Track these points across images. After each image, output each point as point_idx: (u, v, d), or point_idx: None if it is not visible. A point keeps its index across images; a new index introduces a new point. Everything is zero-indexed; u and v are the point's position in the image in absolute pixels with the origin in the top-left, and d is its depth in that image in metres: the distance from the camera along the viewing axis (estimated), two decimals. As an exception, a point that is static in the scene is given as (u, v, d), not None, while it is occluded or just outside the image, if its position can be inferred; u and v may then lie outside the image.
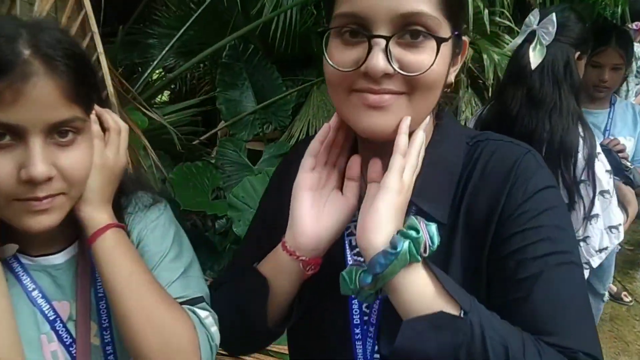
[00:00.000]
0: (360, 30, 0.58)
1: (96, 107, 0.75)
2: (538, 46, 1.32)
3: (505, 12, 2.54)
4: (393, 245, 0.58)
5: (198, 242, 2.08)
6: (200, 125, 2.73)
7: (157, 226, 0.83)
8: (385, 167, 0.63)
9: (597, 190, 1.35)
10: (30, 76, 0.62)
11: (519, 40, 1.39)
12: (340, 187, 0.70)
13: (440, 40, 0.59)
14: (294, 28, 2.42)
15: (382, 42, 0.57)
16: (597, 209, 1.36)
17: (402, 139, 0.61)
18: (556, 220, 0.64)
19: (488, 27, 2.35)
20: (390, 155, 0.62)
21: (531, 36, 1.35)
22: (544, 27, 1.33)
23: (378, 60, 0.57)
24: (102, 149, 0.75)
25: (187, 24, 2.54)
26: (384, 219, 0.59)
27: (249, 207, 1.63)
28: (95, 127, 0.74)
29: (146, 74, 2.43)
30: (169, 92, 3.40)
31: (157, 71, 2.89)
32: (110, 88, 1.45)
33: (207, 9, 2.53)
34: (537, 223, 0.62)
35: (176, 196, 1.76)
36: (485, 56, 2.43)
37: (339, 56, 0.60)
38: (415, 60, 0.58)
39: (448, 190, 0.66)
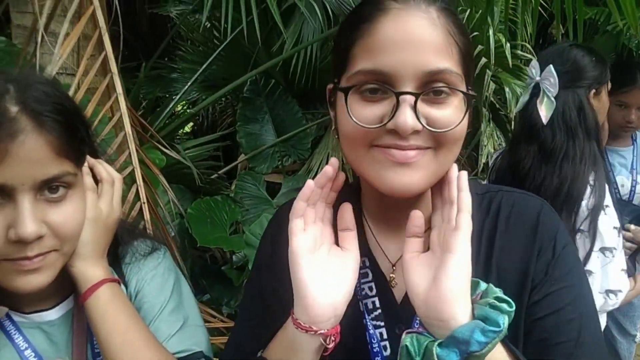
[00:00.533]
0: (385, 87, 0.57)
1: (89, 158, 0.73)
2: (545, 100, 1.26)
3: (527, 45, 2.52)
4: (491, 320, 0.53)
5: (215, 277, 2.08)
6: (220, 159, 2.76)
7: (156, 276, 0.81)
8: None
9: (597, 246, 1.22)
10: (17, 134, 0.61)
11: (525, 97, 1.33)
12: (336, 242, 0.65)
13: (469, 96, 0.59)
14: (314, 63, 2.44)
15: (411, 98, 0.56)
16: (592, 266, 1.23)
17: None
18: (580, 275, 0.65)
19: (510, 60, 2.33)
20: (411, 208, 0.62)
21: (537, 89, 1.29)
22: (545, 79, 1.27)
23: (407, 117, 0.56)
24: (95, 201, 0.73)
25: (210, 59, 2.59)
26: (464, 288, 0.55)
27: (265, 244, 1.61)
28: (88, 180, 0.73)
29: (169, 108, 2.48)
30: (191, 125, 3.45)
31: (180, 104, 2.94)
32: (128, 128, 1.47)
33: (229, 44, 2.58)
34: (567, 282, 0.62)
35: (193, 232, 1.76)
36: (507, 89, 2.40)
37: (360, 112, 0.58)
38: (442, 116, 0.58)
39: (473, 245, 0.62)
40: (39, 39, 1.53)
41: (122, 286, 0.77)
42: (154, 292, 0.79)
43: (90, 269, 0.72)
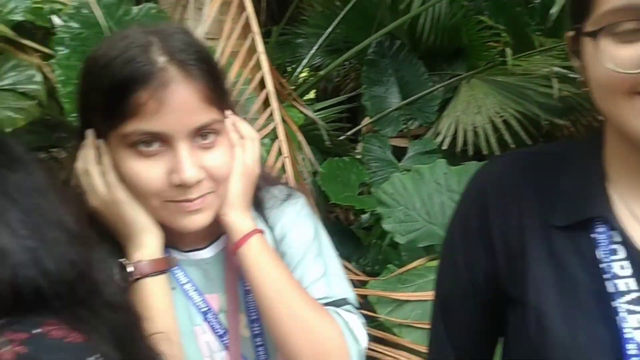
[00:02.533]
0: None
1: (232, 116, 0.76)
2: None
3: None
4: None
5: (344, 235, 2.12)
6: (345, 122, 2.78)
7: (299, 222, 0.83)
8: None
9: None
10: (169, 84, 0.64)
11: None
12: None
13: None
14: (442, 21, 2.34)
15: None
16: None
17: None
18: None
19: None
20: None
21: None
22: None
23: None
24: (242, 156, 0.76)
25: (335, 22, 2.60)
26: None
27: (398, 203, 1.60)
28: (234, 136, 0.76)
29: (296, 73, 2.54)
30: (314, 90, 3.51)
31: (304, 70, 2.99)
32: (270, 87, 1.53)
33: (353, 7, 2.56)
34: None
35: (327, 190, 1.80)
36: None
37: (617, 56, 0.50)
38: None
39: None
40: (185, 4, 1.64)
41: (267, 230, 0.80)
42: (298, 237, 0.81)
43: (240, 219, 0.75)
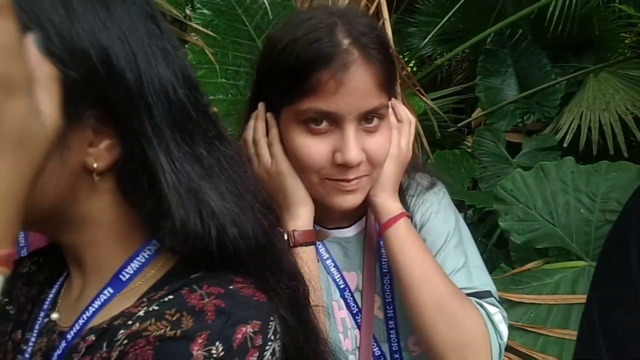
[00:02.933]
0: None
1: (392, 99, 0.77)
2: None
3: None
4: None
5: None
6: (455, 113, 2.70)
7: (439, 210, 0.82)
8: None
9: None
10: (350, 66, 0.65)
11: None
12: None
13: None
14: (573, 9, 2.18)
15: None
16: None
17: None
18: None
19: None
20: None
21: None
22: None
23: None
24: (398, 139, 0.77)
25: (452, 10, 2.52)
26: None
27: (518, 201, 1.53)
28: (393, 119, 0.76)
29: (411, 63, 2.50)
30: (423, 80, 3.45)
31: (414, 59, 2.95)
32: (397, 72, 1.52)
33: (471, -2, 2.47)
34: None
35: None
36: None
37: None
38: None
39: None
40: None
41: None
42: (439, 225, 0.80)
43: (391, 201, 0.76)
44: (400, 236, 0.74)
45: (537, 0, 2.15)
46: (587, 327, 0.67)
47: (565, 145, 2.12)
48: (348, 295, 0.80)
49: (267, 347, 0.43)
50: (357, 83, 0.67)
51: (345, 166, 0.69)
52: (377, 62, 0.68)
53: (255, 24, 1.77)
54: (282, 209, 0.75)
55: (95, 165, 0.44)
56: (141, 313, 0.43)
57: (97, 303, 0.49)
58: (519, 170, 1.60)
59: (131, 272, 0.49)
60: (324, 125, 0.69)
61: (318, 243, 0.80)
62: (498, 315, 0.74)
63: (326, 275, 0.80)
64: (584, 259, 1.47)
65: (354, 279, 0.81)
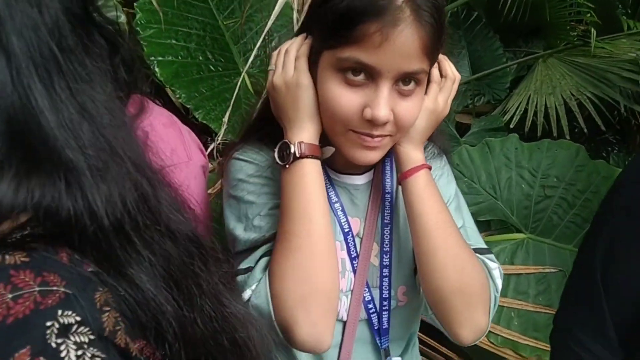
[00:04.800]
0: None
1: (440, 55, 0.77)
2: None
3: None
4: None
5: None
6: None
7: (443, 174, 0.87)
8: None
9: None
10: (399, 23, 0.65)
11: None
12: None
13: None
14: (527, -5, 2.23)
15: None
16: None
17: None
18: None
19: None
20: None
21: None
22: None
23: None
24: (437, 94, 0.77)
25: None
26: None
27: (464, 175, 1.57)
28: (435, 72, 0.77)
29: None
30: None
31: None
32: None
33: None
34: None
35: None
36: None
37: None
38: None
39: None
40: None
41: None
42: (442, 187, 0.83)
43: (415, 152, 0.78)
44: (421, 185, 0.77)
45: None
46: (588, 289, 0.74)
47: (511, 127, 2.18)
48: (350, 239, 0.82)
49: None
50: (403, 42, 0.66)
51: (372, 122, 0.70)
52: (427, 25, 0.67)
53: (209, -16, 1.71)
54: (289, 122, 0.76)
55: None
56: None
57: None
58: (466, 146, 1.63)
59: None
60: (361, 77, 0.69)
61: (328, 186, 0.82)
62: (496, 270, 0.80)
63: (333, 216, 0.81)
64: (523, 232, 1.52)
65: (356, 225, 0.84)
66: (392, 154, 0.83)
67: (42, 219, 0.41)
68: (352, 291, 0.81)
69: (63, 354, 0.36)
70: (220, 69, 1.63)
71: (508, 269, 1.44)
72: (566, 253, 1.47)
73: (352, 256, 0.82)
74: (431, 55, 0.70)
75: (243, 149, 0.84)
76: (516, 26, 2.50)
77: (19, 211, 0.40)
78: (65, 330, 0.37)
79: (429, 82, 0.77)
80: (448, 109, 0.79)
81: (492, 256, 0.82)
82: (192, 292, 0.49)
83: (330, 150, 0.79)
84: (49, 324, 0.37)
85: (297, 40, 0.77)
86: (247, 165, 0.82)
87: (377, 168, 0.85)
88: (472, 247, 0.80)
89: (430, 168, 0.79)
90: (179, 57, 1.57)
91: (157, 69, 1.49)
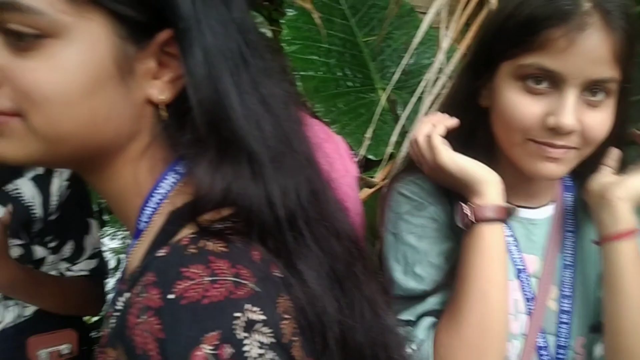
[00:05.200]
0: None
1: None
2: None
3: None
4: None
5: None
6: None
7: None
8: None
9: None
10: (586, 28, 0.63)
11: None
12: None
13: None
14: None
15: None
16: None
17: None
18: None
19: None
20: None
21: None
22: None
23: None
24: None
25: None
26: None
27: None
28: None
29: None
30: None
31: None
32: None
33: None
34: None
35: None
36: None
37: None
38: None
39: None
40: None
41: None
42: None
43: (625, 210, 0.70)
44: (627, 255, 0.70)
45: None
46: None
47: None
48: (524, 278, 0.77)
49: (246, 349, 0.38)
50: (591, 47, 0.63)
51: (556, 131, 0.66)
52: (618, 30, 0.64)
53: (352, 3, 1.76)
54: (465, 190, 0.73)
55: (161, 97, 0.46)
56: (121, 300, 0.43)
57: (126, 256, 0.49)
58: None
59: (145, 220, 0.47)
60: (544, 85, 0.67)
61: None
62: None
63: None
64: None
65: (533, 263, 0.78)
66: (575, 187, 0.78)
67: (233, 205, 0.43)
68: (525, 335, 0.76)
69: (246, 349, 0.37)
70: (358, 85, 1.67)
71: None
72: None
73: (527, 297, 0.77)
74: (622, 63, 0.65)
75: (405, 181, 0.81)
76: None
77: (219, 201, 0.43)
78: (250, 326, 0.38)
79: (621, 97, 0.70)
80: None
81: None
82: (354, 295, 0.49)
83: (513, 210, 0.75)
84: (237, 314, 0.38)
85: (438, 120, 0.75)
86: (408, 202, 0.79)
87: (559, 202, 0.79)
88: None
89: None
90: (319, 73, 1.64)
91: (299, 84, 1.57)
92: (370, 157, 1.41)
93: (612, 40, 0.64)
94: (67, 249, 1.17)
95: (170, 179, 0.47)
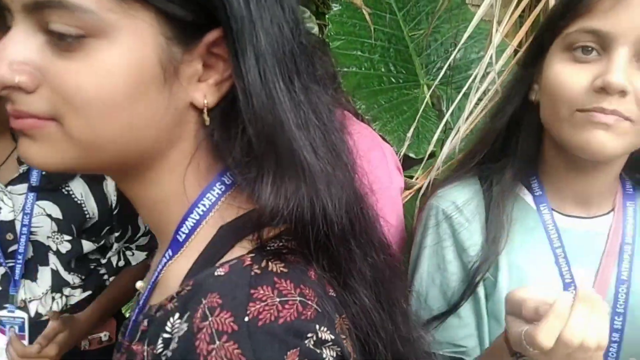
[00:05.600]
0: None
1: None
2: None
3: None
4: None
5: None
6: None
7: None
8: None
9: None
10: None
11: None
12: None
13: None
14: None
15: None
16: None
17: None
18: None
19: None
20: None
21: None
22: None
23: None
24: None
25: None
26: None
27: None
28: None
29: None
30: None
31: None
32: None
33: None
34: None
35: None
36: None
37: None
38: None
39: None
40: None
41: None
42: None
43: None
44: None
45: None
46: None
47: None
48: (572, 292, 0.73)
49: None
50: (637, 2, 0.60)
51: (605, 92, 0.62)
52: None
53: (399, -4, 1.72)
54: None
55: (205, 101, 0.43)
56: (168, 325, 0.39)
57: (160, 268, 0.46)
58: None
59: (186, 231, 0.45)
60: (593, 55, 0.64)
61: (551, 229, 0.73)
62: None
63: (553, 265, 0.73)
64: None
65: (586, 276, 0.71)
66: (637, 196, 0.73)
67: (290, 222, 0.41)
68: None
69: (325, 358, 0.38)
70: (401, 81, 1.63)
71: None
72: None
73: None
74: None
75: (446, 187, 0.78)
76: None
77: (280, 218, 0.41)
78: (322, 344, 0.38)
79: None
80: None
81: None
82: (393, 306, 0.48)
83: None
84: (310, 334, 0.38)
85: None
86: (446, 222, 0.75)
87: (618, 210, 0.74)
88: None
89: None
90: (363, 68, 1.60)
91: (341, 80, 1.54)
92: (411, 155, 1.37)
93: None
94: (128, 233, 1.25)
95: (217, 189, 0.45)
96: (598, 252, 0.73)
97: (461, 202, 0.75)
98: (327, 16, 1.68)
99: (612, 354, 0.71)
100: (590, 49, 0.63)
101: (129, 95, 0.40)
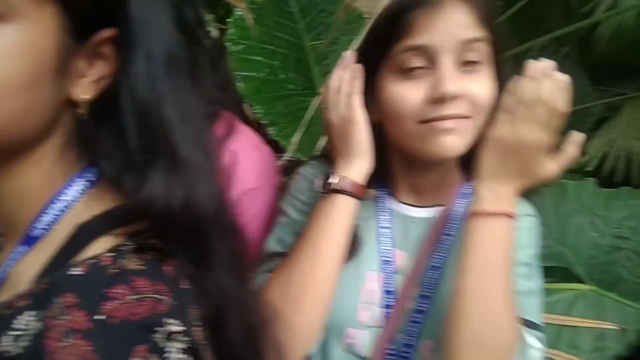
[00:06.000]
0: None
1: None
2: None
3: None
4: None
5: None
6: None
7: (526, 232, 0.78)
8: None
9: None
10: (441, 3, 0.67)
11: None
12: None
13: None
14: (624, 32, 2.12)
15: None
16: None
17: None
18: None
19: None
20: None
21: None
22: None
23: None
24: (507, 121, 0.68)
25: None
26: None
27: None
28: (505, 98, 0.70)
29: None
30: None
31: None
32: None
33: (520, 9, 2.42)
34: None
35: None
36: None
37: None
38: None
39: None
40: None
41: None
42: (518, 247, 0.74)
43: (496, 193, 0.68)
44: (497, 236, 0.68)
45: (588, 17, 2.10)
46: None
47: (589, 169, 2.09)
48: (389, 272, 0.77)
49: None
50: (451, 15, 0.67)
51: (442, 101, 0.67)
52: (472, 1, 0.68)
53: (302, 6, 1.78)
54: (340, 157, 0.75)
55: (82, 96, 0.44)
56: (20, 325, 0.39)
57: (8, 264, 0.45)
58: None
59: (40, 227, 0.45)
60: (421, 71, 0.69)
61: (383, 212, 0.80)
62: (535, 351, 0.71)
63: (375, 243, 0.79)
64: (586, 282, 1.46)
65: (402, 260, 0.79)
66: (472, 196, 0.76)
67: (157, 217, 0.43)
68: (373, 327, 0.76)
69: (166, 355, 0.39)
70: (300, 88, 1.70)
71: (565, 320, 1.38)
72: (631, 311, 1.39)
73: (388, 290, 0.76)
74: (486, 22, 0.69)
75: (307, 164, 0.86)
76: (608, 65, 2.39)
77: (144, 213, 0.43)
78: (171, 337, 0.40)
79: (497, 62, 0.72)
80: (536, 140, 0.68)
81: (540, 335, 0.72)
82: (247, 284, 0.53)
83: (371, 195, 0.78)
84: (160, 328, 0.40)
85: (345, 73, 0.75)
86: (301, 180, 0.83)
87: (449, 206, 0.78)
88: (522, 317, 0.71)
89: (512, 217, 0.68)
90: (262, 74, 1.65)
91: (240, 84, 1.58)
92: (301, 158, 1.44)
93: (469, 5, 0.67)
94: None
95: (78, 186, 0.45)
96: (419, 239, 0.79)
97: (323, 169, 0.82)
98: (228, 20, 1.69)
99: (412, 334, 0.75)
100: (417, 65, 0.69)
101: (26, 83, 0.40)
